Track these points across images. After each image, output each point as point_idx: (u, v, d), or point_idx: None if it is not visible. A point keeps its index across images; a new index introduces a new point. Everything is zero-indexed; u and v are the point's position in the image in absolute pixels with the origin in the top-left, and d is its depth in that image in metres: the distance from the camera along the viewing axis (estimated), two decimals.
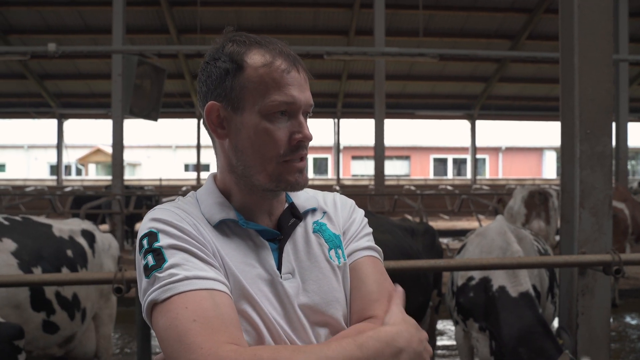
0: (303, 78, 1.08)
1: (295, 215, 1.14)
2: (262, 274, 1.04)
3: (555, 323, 3.59)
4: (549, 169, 30.30)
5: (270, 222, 1.12)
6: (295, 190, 1.10)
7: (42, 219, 3.38)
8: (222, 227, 1.07)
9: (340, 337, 1.01)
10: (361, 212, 1.24)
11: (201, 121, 1.15)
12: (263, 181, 1.07)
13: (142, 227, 1.03)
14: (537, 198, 7.47)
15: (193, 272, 0.96)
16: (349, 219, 1.20)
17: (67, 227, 3.39)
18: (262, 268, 1.05)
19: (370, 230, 1.23)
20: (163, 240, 0.99)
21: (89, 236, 3.47)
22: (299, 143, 1.06)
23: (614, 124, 8.70)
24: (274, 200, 1.13)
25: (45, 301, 2.98)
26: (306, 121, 1.09)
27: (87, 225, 3.57)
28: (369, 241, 1.19)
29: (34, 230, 3.16)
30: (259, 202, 1.11)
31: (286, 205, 1.16)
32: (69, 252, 3.22)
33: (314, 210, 1.18)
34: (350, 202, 1.25)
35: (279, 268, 1.07)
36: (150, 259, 0.98)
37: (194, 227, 1.03)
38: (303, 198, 1.18)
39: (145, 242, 1.00)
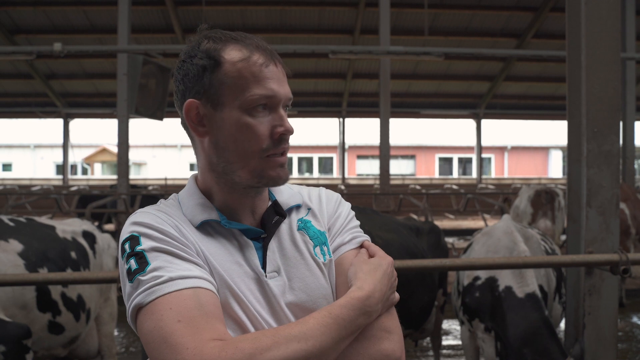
0: (281, 72, 1.08)
1: (278, 212, 1.13)
2: (248, 272, 1.03)
3: (563, 325, 3.57)
4: (555, 168, 30.17)
5: (253, 221, 1.11)
6: (277, 185, 1.09)
7: (44, 220, 3.40)
8: (205, 228, 1.05)
9: (317, 311, 0.99)
10: (347, 205, 1.22)
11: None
12: (245, 177, 1.05)
13: (123, 232, 1.02)
14: (544, 197, 7.44)
15: (177, 272, 0.94)
16: (334, 214, 1.19)
17: (69, 228, 3.40)
18: (248, 267, 1.04)
19: (357, 223, 1.21)
20: (145, 244, 0.98)
21: (90, 237, 3.50)
22: (281, 136, 1.05)
23: (621, 123, 8.64)
24: (257, 199, 1.11)
25: (52, 302, 2.98)
26: (286, 115, 1.08)
27: (87, 225, 3.60)
28: (353, 233, 1.17)
29: (38, 231, 3.17)
30: (241, 200, 1.09)
31: (269, 203, 1.14)
32: (73, 254, 3.24)
33: (298, 207, 1.16)
34: (336, 196, 1.23)
35: (264, 267, 1.05)
36: (133, 263, 0.96)
37: (175, 229, 1.01)
38: (287, 195, 1.16)
39: (127, 246, 0.99)
